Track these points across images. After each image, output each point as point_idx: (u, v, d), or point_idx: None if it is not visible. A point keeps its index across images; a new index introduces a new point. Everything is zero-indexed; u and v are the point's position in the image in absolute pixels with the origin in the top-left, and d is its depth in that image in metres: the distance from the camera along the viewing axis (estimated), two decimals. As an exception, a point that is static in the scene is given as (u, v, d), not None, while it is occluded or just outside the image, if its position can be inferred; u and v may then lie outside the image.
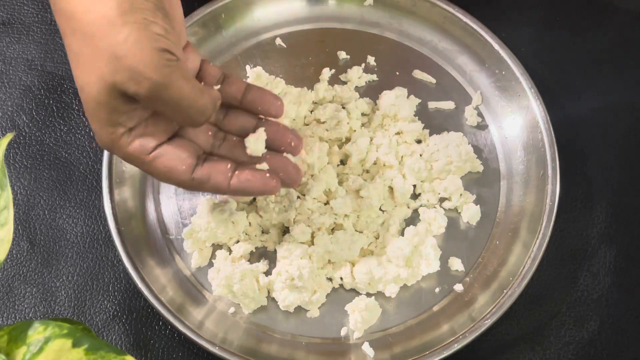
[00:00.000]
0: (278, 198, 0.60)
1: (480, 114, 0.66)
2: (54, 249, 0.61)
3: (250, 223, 0.60)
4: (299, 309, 0.58)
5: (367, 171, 0.63)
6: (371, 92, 0.66)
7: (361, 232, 0.60)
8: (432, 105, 0.66)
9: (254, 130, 0.55)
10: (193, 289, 0.59)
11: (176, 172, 0.51)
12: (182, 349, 0.58)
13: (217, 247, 0.60)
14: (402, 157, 0.63)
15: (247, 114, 0.56)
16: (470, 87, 0.67)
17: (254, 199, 0.61)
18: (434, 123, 0.65)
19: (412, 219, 0.62)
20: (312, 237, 0.59)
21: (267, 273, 0.59)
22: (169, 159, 0.50)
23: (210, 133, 0.54)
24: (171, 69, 0.46)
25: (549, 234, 0.58)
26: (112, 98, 0.46)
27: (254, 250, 0.60)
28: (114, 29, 0.45)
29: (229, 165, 0.53)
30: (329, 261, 0.59)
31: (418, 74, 0.67)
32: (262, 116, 0.56)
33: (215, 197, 0.60)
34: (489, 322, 0.55)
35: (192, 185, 0.52)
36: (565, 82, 0.68)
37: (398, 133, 0.64)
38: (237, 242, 0.60)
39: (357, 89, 0.66)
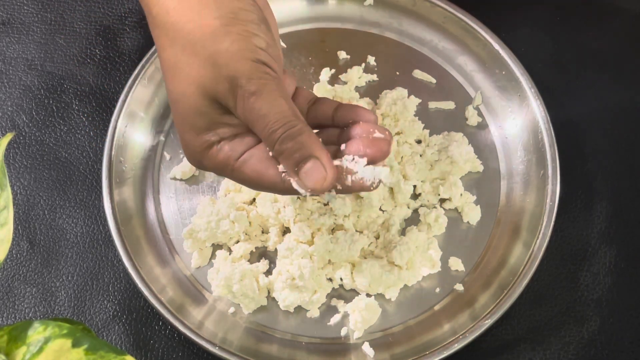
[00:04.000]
0: (277, 198, 0.60)
1: (480, 114, 0.66)
2: (54, 249, 0.61)
3: (250, 223, 0.60)
4: (299, 309, 0.58)
5: (367, 171, 0.63)
6: (371, 92, 0.66)
7: (361, 232, 0.60)
8: (432, 105, 0.66)
9: (339, 142, 0.50)
10: (193, 289, 0.59)
11: (267, 175, 0.47)
12: (182, 349, 0.58)
13: (217, 247, 0.60)
14: (402, 157, 0.63)
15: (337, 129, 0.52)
16: (471, 87, 0.67)
17: (254, 199, 0.61)
18: (434, 123, 0.65)
19: (412, 219, 0.62)
20: (312, 237, 0.59)
21: (267, 273, 0.59)
22: (258, 160, 0.47)
23: None
24: (265, 80, 0.45)
25: (549, 234, 0.58)
26: (212, 106, 0.46)
27: (254, 250, 0.60)
28: (216, 38, 0.45)
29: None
30: (329, 261, 0.59)
31: (418, 74, 0.67)
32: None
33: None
34: (489, 322, 0.55)
35: (284, 188, 0.47)
36: (565, 82, 0.68)
37: (398, 133, 0.64)
38: (237, 242, 0.60)
39: (357, 89, 0.66)
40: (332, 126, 0.51)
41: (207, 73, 0.45)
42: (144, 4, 0.48)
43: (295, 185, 0.47)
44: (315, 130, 0.49)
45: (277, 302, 0.58)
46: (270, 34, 0.47)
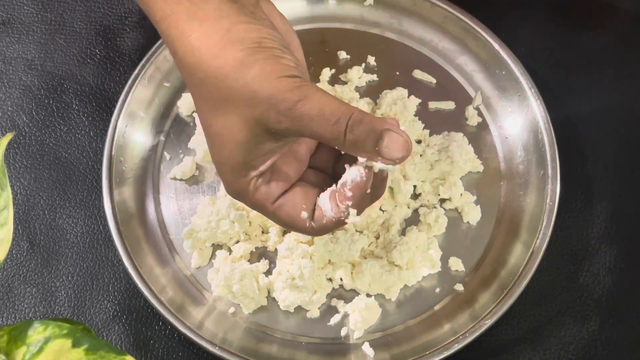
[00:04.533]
0: None
1: (480, 114, 0.66)
2: (54, 249, 0.61)
3: (250, 223, 0.60)
4: (299, 309, 0.58)
5: (367, 171, 0.63)
6: (371, 92, 0.66)
7: (361, 232, 0.60)
8: (432, 105, 0.66)
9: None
10: (193, 289, 0.59)
11: (299, 220, 0.50)
12: (182, 349, 0.58)
13: (217, 247, 0.60)
14: (402, 157, 0.63)
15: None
16: (471, 87, 0.67)
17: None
18: (434, 123, 0.65)
19: (412, 219, 0.62)
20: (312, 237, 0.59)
21: (267, 273, 0.59)
22: (292, 206, 0.50)
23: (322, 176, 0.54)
24: (306, 87, 0.46)
25: (549, 234, 0.58)
26: (253, 135, 0.47)
27: (254, 250, 0.60)
28: (245, 67, 0.45)
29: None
30: (329, 261, 0.59)
31: (418, 74, 0.67)
32: None
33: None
34: (489, 322, 0.55)
35: (313, 231, 0.51)
36: (565, 82, 0.68)
37: (398, 133, 0.64)
38: (237, 242, 0.60)
39: (357, 89, 0.66)
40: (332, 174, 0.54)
41: (244, 102, 0.46)
42: (168, 45, 0.49)
43: (380, 166, 0.47)
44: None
45: (277, 302, 0.58)
46: (294, 57, 0.48)
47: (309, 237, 0.59)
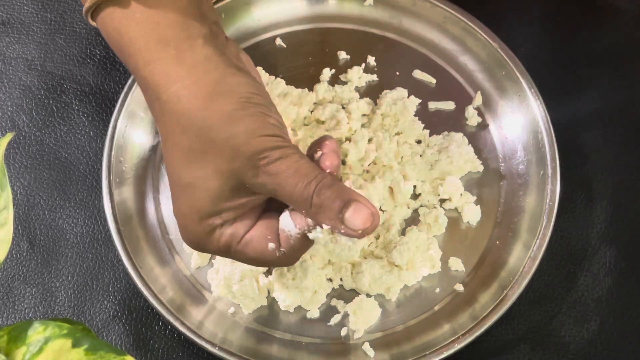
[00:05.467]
0: None
1: (480, 114, 0.66)
2: (54, 249, 0.61)
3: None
4: (299, 309, 0.58)
5: (367, 171, 0.63)
6: (371, 92, 0.66)
7: (361, 232, 0.60)
8: (432, 105, 0.66)
9: None
10: (193, 289, 0.59)
11: (267, 252, 0.49)
12: (182, 349, 0.58)
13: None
14: (402, 157, 0.63)
15: None
16: (470, 87, 0.67)
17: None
18: (434, 123, 0.65)
19: (412, 219, 0.62)
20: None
21: (267, 273, 0.59)
22: (258, 240, 0.49)
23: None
24: (287, 148, 0.47)
25: (549, 234, 0.58)
26: (227, 187, 0.47)
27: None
28: (232, 121, 0.46)
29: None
30: (329, 261, 0.59)
31: (418, 74, 0.67)
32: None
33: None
34: (489, 322, 0.55)
35: (285, 258, 0.50)
36: (565, 82, 0.68)
37: (398, 133, 0.64)
38: None
39: (357, 89, 0.66)
40: None
41: (224, 154, 0.46)
42: (149, 91, 0.48)
43: (343, 240, 0.48)
44: None
45: (277, 302, 0.58)
46: (279, 115, 0.49)
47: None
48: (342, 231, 0.47)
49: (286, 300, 0.58)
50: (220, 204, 0.48)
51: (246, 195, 0.48)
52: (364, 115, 0.65)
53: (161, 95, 0.47)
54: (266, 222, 0.50)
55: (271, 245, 0.49)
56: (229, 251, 0.50)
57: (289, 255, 0.50)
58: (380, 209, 0.61)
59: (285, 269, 0.58)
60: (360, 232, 0.46)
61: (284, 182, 0.46)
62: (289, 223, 0.49)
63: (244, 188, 0.47)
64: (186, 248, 0.60)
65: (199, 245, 0.50)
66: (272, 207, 0.51)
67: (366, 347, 0.56)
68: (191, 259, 0.60)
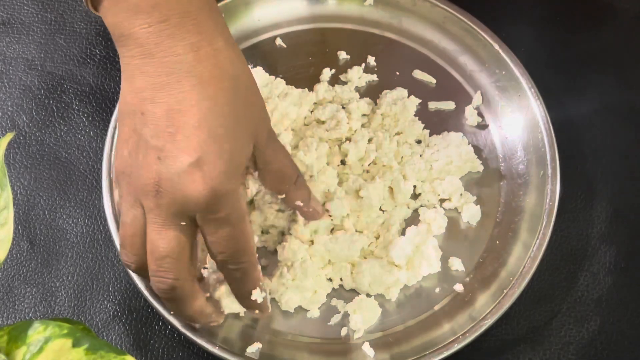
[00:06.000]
0: (274, 198, 0.59)
1: (480, 114, 0.66)
2: (54, 249, 0.61)
3: (250, 221, 0.60)
4: (299, 309, 0.58)
5: (367, 171, 0.63)
6: (371, 92, 0.66)
7: (361, 232, 0.60)
8: (432, 105, 0.66)
9: None
10: (193, 289, 0.59)
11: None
12: (182, 349, 0.58)
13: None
14: (402, 157, 0.63)
15: None
16: (470, 87, 0.67)
17: (252, 200, 0.61)
18: (434, 123, 0.65)
19: (412, 219, 0.62)
20: (312, 237, 0.59)
21: (268, 274, 0.59)
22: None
23: None
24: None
25: (549, 234, 0.58)
26: (250, 148, 0.51)
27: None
28: (257, 89, 0.52)
29: None
30: (329, 261, 0.59)
31: (418, 74, 0.67)
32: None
33: None
34: (489, 322, 0.55)
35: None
36: (565, 82, 0.68)
37: (398, 133, 0.64)
38: None
39: (357, 89, 0.66)
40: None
41: (254, 115, 0.51)
42: (193, 36, 0.48)
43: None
44: None
45: (277, 302, 0.58)
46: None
47: (308, 237, 0.59)
48: (306, 208, 0.57)
49: (286, 300, 0.58)
50: (245, 163, 0.51)
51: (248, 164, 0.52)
52: (364, 115, 0.65)
53: (212, 43, 0.48)
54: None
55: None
56: (238, 213, 0.50)
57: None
58: (380, 209, 0.61)
59: (285, 269, 0.58)
60: (319, 214, 0.58)
61: (282, 156, 0.54)
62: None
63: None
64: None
65: (219, 193, 0.48)
66: None
67: (366, 347, 0.56)
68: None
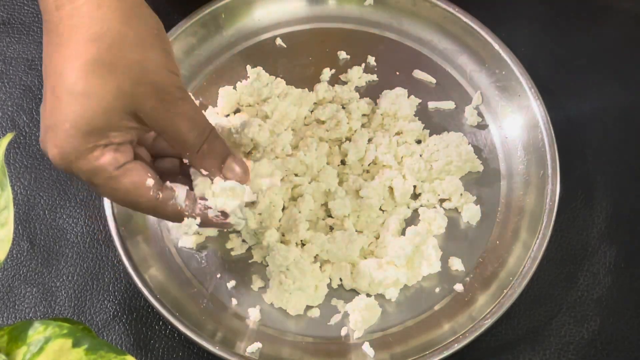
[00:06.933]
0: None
1: (480, 114, 0.66)
2: (54, 249, 0.61)
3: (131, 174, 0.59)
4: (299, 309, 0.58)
5: (367, 171, 0.63)
6: (371, 92, 0.66)
7: (361, 232, 0.60)
8: (432, 105, 0.66)
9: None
10: (193, 289, 0.59)
11: (143, 188, 0.49)
12: (182, 349, 0.58)
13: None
14: (402, 157, 0.63)
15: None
16: (470, 87, 0.67)
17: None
18: (434, 123, 0.65)
19: (412, 219, 0.62)
20: (311, 237, 0.59)
21: (264, 288, 0.59)
22: (138, 174, 0.49)
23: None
24: (186, 91, 0.50)
25: (549, 234, 0.58)
26: (122, 109, 0.47)
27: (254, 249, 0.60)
28: (146, 47, 0.48)
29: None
30: (329, 261, 0.59)
31: (418, 74, 0.67)
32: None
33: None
34: (489, 322, 0.55)
35: (156, 202, 0.50)
36: (565, 82, 0.68)
37: (398, 133, 0.64)
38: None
39: (357, 89, 0.66)
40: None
41: (132, 75, 0.47)
42: None
43: (219, 183, 0.52)
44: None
45: (285, 309, 0.58)
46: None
47: (306, 237, 0.59)
48: (218, 176, 0.52)
49: (294, 305, 0.57)
50: (112, 122, 0.47)
51: (136, 123, 0.48)
52: (363, 115, 0.65)
53: (72, 1, 0.47)
54: (146, 166, 0.51)
55: (150, 181, 0.49)
56: (100, 175, 0.48)
57: (163, 203, 0.51)
58: (380, 209, 0.61)
59: (283, 276, 0.57)
60: (238, 178, 0.52)
61: (180, 123, 0.49)
62: (181, 194, 0.51)
63: (135, 116, 0.48)
64: (186, 247, 0.60)
65: (68, 158, 0.48)
66: (137, 157, 0.51)
67: (366, 346, 0.56)
68: (174, 234, 0.60)
